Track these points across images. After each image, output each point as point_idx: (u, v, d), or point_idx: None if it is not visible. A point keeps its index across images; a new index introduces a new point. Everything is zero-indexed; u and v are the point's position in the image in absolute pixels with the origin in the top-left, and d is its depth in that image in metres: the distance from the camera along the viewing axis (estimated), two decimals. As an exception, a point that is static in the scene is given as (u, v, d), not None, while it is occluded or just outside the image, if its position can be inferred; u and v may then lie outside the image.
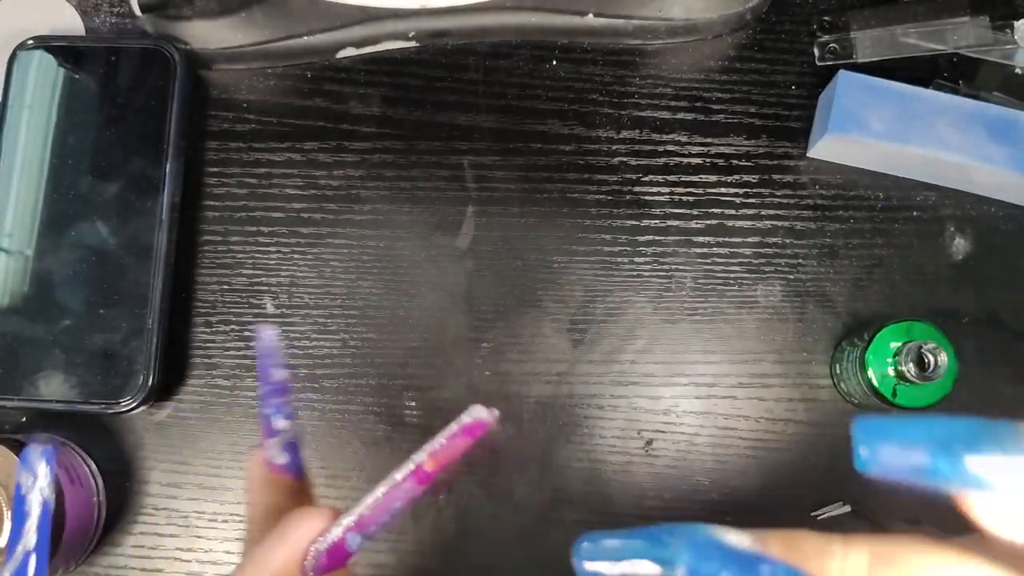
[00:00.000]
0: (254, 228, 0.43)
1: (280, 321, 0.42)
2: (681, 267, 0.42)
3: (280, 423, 0.26)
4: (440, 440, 0.24)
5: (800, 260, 0.42)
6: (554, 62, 0.44)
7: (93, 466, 0.40)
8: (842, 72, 0.40)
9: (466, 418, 0.24)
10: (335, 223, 0.43)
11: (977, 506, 0.15)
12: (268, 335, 0.27)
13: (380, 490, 0.24)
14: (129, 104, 0.42)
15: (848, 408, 0.41)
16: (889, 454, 0.14)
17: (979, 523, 0.15)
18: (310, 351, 0.42)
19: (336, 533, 0.23)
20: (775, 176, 0.43)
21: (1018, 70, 0.42)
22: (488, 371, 0.42)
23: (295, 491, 0.26)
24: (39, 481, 0.28)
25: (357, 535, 0.23)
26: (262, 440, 0.26)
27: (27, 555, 0.28)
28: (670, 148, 0.43)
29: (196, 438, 0.42)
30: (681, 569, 0.14)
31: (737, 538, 0.14)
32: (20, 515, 0.28)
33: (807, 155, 0.43)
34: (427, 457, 0.23)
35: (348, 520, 0.23)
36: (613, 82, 0.44)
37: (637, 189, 0.43)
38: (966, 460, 0.13)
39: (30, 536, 0.28)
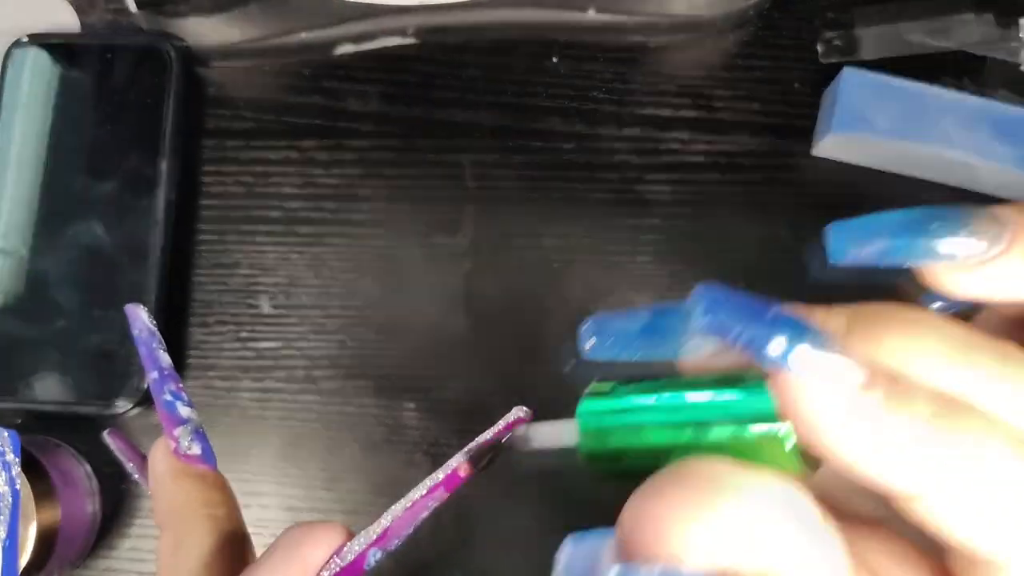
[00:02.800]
0: (251, 227, 0.42)
1: (277, 321, 0.42)
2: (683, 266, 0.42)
3: (183, 410, 0.24)
4: (478, 444, 0.22)
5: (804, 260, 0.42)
6: (555, 59, 0.43)
7: (88, 468, 0.40)
8: (846, 69, 0.40)
9: (506, 420, 0.22)
10: (333, 222, 0.42)
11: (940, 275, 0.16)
12: (140, 315, 0.25)
13: (406, 500, 0.22)
14: (125, 101, 0.41)
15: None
16: (855, 244, 0.16)
17: (940, 289, 0.16)
18: (308, 352, 0.41)
19: (355, 550, 0.21)
20: (779, 175, 0.42)
21: (1023, 68, 0.42)
22: (488, 372, 0.41)
23: (215, 482, 0.25)
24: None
25: (378, 551, 0.21)
26: (167, 431, 0.25)
27: None
28: (672, 146, 0.43)
29: (193, 440, 0.41)
30: (696, 319, 0.14)
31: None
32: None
33: (812, 153, 0.42)
34: (465, 461, 0.22)
35: (372, 534, 0.21)
36: (614, 79, 0.43)
37: (639, 187, 0.42)
38: (925, 238, 0.15)
39: None
